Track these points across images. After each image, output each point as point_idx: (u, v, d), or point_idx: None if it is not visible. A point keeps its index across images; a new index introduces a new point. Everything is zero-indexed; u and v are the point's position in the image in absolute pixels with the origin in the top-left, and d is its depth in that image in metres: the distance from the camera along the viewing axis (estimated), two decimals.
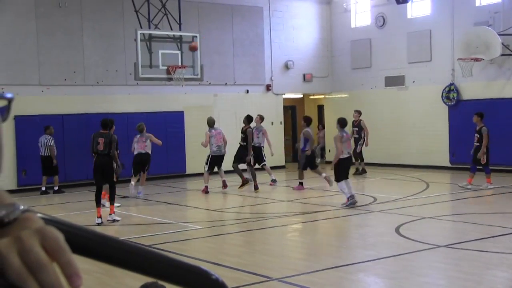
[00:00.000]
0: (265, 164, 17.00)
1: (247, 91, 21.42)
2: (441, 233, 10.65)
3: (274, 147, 17.79)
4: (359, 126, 19.08)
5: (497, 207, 12.58)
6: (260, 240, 10.34)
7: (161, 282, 3.23)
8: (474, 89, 19.21)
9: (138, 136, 15.36)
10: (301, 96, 24.25)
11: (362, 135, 19.05)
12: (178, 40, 16.83)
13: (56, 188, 16.47)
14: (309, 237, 10.66)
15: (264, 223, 11.70)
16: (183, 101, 19.86)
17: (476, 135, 14.94)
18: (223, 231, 10.75)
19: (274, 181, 16.96)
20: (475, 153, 14.83)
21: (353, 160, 15.54)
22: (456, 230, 10.81)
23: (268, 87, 21.96)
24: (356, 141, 18.95)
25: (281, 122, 22.31)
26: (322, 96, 24.05)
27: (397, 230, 10.26)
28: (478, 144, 14.72)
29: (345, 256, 8.81)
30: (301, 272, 7.87)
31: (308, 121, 15.98)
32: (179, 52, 16.68)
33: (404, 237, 9.72)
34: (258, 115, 17.63)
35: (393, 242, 9.48)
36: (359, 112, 19.33)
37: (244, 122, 16.70)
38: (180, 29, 17.16)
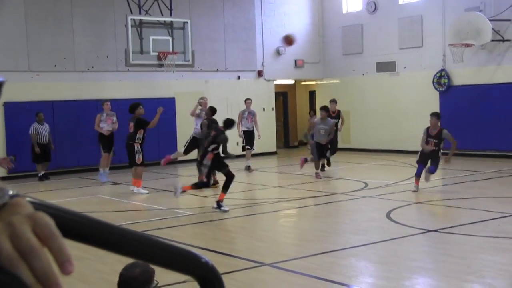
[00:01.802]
0: (250, 149, 17.31)
1: (239, 77, 21.38)
2: (431, 218, 10.74)
3: (262, 133, 18.18)
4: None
5: (487, 192, 12.67)
6: (252, 225, 10.38)
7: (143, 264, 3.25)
8: (465, 74, 19.26)
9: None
10: (293, 82, 24.24)
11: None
12: (169, 26, 16.76)
13: (40, 175, 16.37)
14: (301, 222, 10.71)
15: (256, 209, 11.75)
16: (174, 87, 19.80)
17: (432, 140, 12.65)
18: (215, 217, 10.76)
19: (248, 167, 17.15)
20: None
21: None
22: (446, 215, 10.89)
23: (260, 73, 21.93)
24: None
25: (272, 108, 22.30)
26: (314, 82, 24.05)
27: (388, 215, 10.32)
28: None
29: (336, 241, 8.86)
30: (293, 257, 7.91)
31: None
32: (170, 38, 16.62)
33: (395, 222, 9.79)
34: (248, 98, 17.89)
35: (384, 227, 9.54)
36: (335, 102, 17.64)
37: (207, 114, 15.11)
38: (171, 15, 17.09)
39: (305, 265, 7.49)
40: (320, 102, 23.42)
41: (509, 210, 10.54)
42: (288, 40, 15.98)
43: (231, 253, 8.11)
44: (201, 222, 10.52)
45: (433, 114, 12.80)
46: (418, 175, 12.71)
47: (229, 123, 11.52)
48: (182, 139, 19.69)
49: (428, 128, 12.72)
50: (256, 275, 7.24)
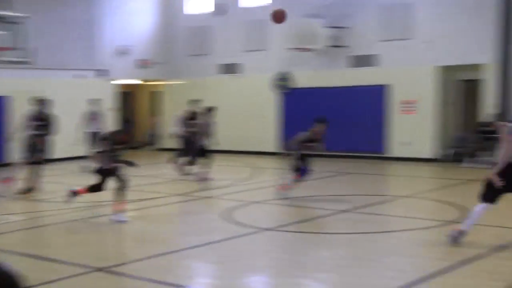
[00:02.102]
0: None
1: (81, 76, 20.63)
2: (269, 216, 10.98)
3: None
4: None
5: (321, 191, 13.29)
6: (89, 229, 9.97)
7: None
8: (304, 77, 20.07)
9: None
10: (137, 82, 23.86)
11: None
12: (5, 20, 15.93)
13: None
14: (140, 224, 10.48)
15: (95, 212, 11.35)
16: (10, 85, 18.64)
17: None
18: (50, 221, 10.23)
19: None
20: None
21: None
22: (283, 214, 11.22)
23: (103, 73, 21.31)
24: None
25: (115, 109, 21.78)
26: (159, 83, 23.84)
27: (228, 215, 10.42)
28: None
29: (175, 243, 8.77)
30: (128, 260, 7.70)
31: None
32: (6, 33, 15.81)
33: (234, 221, 9.89)
34: (97, 99, 17.46)
35: (223, 227, 9.60)
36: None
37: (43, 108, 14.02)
38: (9, 9, 16.21)
39: (140, 268, 7.31)
40: (166, 103, 23.27)
41: (340, 207, 11.08)
42: (278, 16, 14.23)
43: (61, 258, 7.71)
44: (32, 228, 9.95)
45: (324, 121, 12.42)
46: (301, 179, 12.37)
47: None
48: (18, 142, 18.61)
49: (309, 133, 12.26)
50: (88, 281, 6.94)
